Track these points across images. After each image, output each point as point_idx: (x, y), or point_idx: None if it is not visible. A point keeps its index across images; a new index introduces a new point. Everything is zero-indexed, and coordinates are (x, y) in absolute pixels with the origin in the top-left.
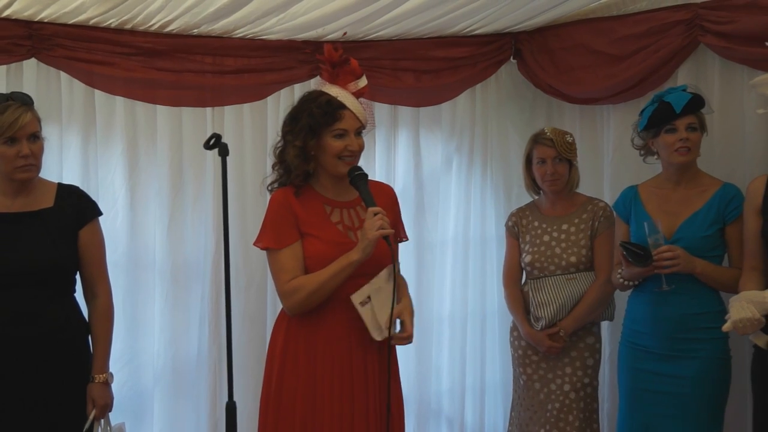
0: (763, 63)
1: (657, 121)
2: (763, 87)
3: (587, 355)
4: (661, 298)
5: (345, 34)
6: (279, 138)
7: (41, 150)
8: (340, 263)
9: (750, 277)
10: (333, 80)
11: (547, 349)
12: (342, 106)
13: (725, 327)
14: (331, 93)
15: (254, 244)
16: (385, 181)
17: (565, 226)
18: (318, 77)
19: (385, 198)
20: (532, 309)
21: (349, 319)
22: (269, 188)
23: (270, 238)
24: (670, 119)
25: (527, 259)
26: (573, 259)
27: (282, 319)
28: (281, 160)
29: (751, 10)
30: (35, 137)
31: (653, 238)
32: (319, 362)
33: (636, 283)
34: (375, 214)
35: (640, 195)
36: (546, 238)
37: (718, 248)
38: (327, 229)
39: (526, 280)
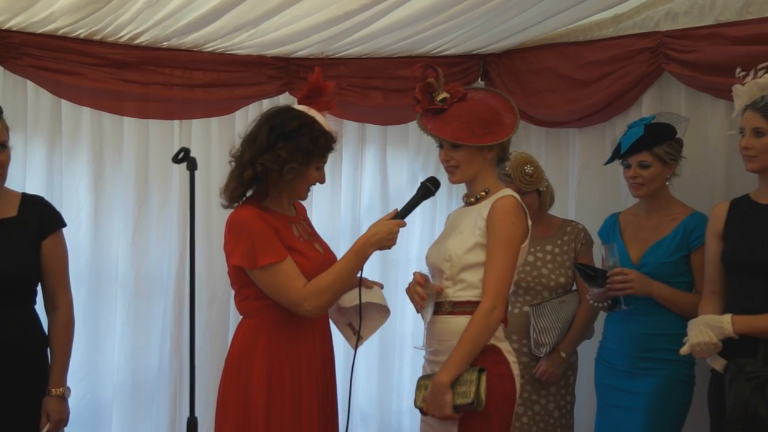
0: (727, 92)
1: (614, 156)
2: (739, 98)
3: (570, 373)
4: (628, 317)
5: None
6: (254, 148)
7: (8, 159)
8: (359, 254)
9: (709, 301)
10: (309, 104)
11: (547, 376)
12: (334, 141)
13: (683, 350)
14: (320, 121)
15: (250, 266)
16: (351, 198)
17: (549, 247)
18: (287, 93)
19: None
20: (534, 335)
21: (323, 328)
22: (232, 202)
23: (271, 253)
24: (623, 156)
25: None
26: (562, 279)
27: (255, 341)
28: (253, 170)
29: (714, 40)
30: (3, 146)
31: (612, 260)
32: (304, 379)
33: (606, 303)
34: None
35: (620, 222)
36: (530, 258)
37: (684, 275)
38: (295, 242)
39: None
